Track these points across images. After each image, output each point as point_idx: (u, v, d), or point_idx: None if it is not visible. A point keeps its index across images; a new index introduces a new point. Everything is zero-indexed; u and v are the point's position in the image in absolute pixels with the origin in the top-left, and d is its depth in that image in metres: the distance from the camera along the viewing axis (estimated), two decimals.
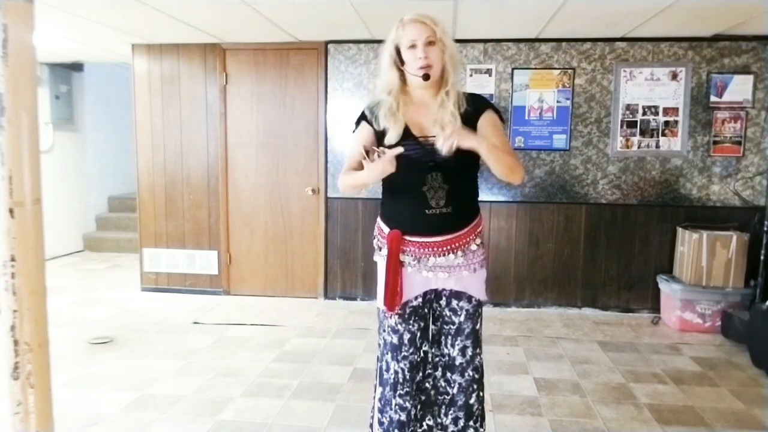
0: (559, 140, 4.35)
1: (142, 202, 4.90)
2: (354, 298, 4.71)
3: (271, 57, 4.62)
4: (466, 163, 1.87)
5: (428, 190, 1.83)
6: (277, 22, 3.91)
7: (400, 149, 1.73)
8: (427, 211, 1.84)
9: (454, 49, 1.86)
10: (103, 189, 7.03)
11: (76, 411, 2.75)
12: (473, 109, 1.89)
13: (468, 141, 1.69)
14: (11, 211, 1.15)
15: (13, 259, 1.16)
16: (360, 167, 1.89)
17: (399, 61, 1.86)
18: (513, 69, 4.35)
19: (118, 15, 3.74)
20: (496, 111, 1.94)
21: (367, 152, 1.76)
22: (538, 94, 4.34)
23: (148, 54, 4.76)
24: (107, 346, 3.64)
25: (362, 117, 1.95)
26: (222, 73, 4.68)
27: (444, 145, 1.66)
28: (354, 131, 1.97)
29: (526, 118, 4.36)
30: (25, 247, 1.18)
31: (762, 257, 3.86)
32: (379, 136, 1.89)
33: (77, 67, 6.18)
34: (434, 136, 1.81)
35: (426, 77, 1.80)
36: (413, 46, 1.80)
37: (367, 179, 1.78)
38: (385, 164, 1.71)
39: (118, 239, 6.67)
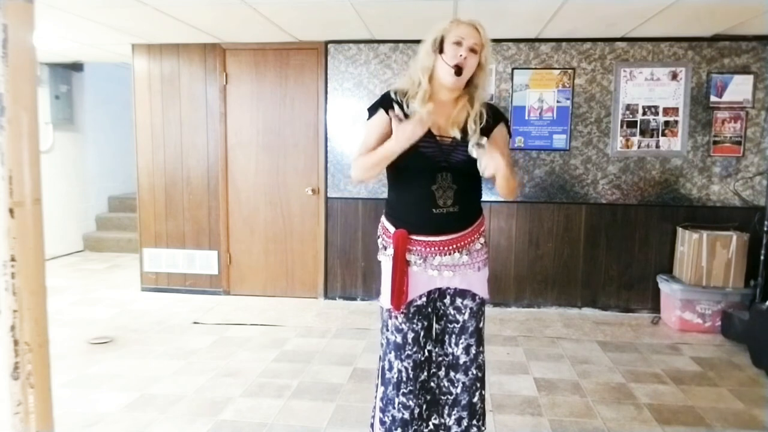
0: (559, 140, 4.35)
1: (142, 202, 4.90)
2: (354, 298, 4.71)
3: (271, 57, 4.62)
4: (476, 167, 1.89)
5: (437, 189, 1.85)
6: (277, 22, 3.91)
7: (430, 107, 1.76)
8: (434, 210, 1.85)
9: (488, 70, 1.92)
10: (103, 189, 7.03)
11: (76, 411, 2.75)
12: (492, 119, 1.93)
13: (496, 166, 1.71)
14: (11, 211, 1.15)
15: (13, 259, 1.16)
16: None
17: (439, 48, 1.86)
18: (513, 69, 4.35)
19: (118, 15, 3.74)
20: (507, 124, 2.01)
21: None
22: (538, 94, 4.34)
23: (148, 54, 4.76)
24: (107, 346, 3.64)
25: (381, 103, 1.93)
26: (222, 73, 4.68)
27: (484, 163, 1.71)
28: (369, 118, 1.96)
29: (526, 118, 4.36)
30: (25, 247, 1.18)
31: (762, 257, 3.86)
32: (395, 127, 1.88)
33: (77, 67, 6.17)
34: (451, 138, 1.85)
35: (458, 71, 1.80)
36: (459, 43, 1.82)
37: (395, 147, 1.78)
38: (416, 126, 1.73)
39: (118, 239, 6.67)
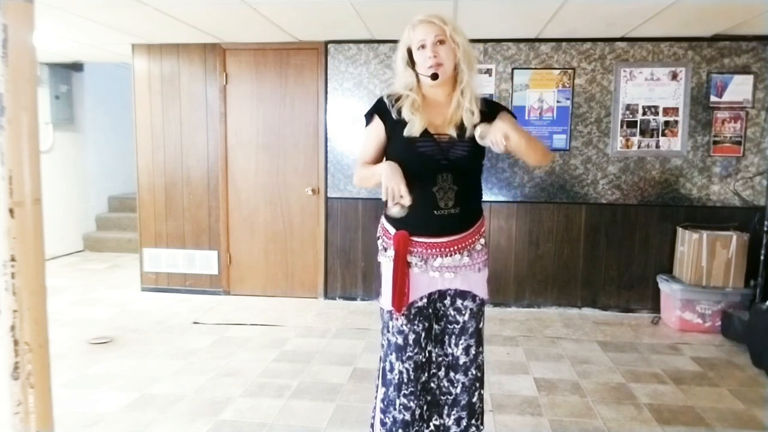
0: (559, 140, 4.35)
1: (142, 202, 4.90)
2: (354, 298, 4.71)
3: (271, 57, 4.62)
4: (477, 164, 1.91)
5: (438, 190, 1.84)
6: (277, 22, 3.91)
7: (408, 201, 1.73)
8: (435, 211, 1.85)
9: (468, 47, 1.85)
10: (103, 189, 7.03)
11: (76, 411, 2.75)
12: (488, 111, 1.91)
13: (503, 132, 1.69)
14: (11, 211, 1.15)
15: (13, 259, 1.16)
16: (375, 161, 1.94)
17: (411, 63, 1.87)
18: (513, 69, 4.35)
19: (118, 15, 3.74)
20: (511, 113, 1.96)
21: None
22: (538, 94, 4.34)
23: (148, 54, 4.76)
24: (107, 346, 3.64)
25: (375, 109, 1.94)
26: (222, 73, 4.68)
27: (491, 138, 1.69)
28: (366, 125, 1.97)
29: (526, 118, 4.36)
30: (25, 247, 1.18)
31: (762, 257, 3.86)
32: (389, 131, 1.90)
33: (77, 67, 6.17)
34: (449, 135, 1.85)
35: (434, 77, 1.80)
36: (423, 47, 1.82)
37: (380, 177, 1.83)
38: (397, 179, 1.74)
39: (118, 239, 6.67)
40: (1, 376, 1.21)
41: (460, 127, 1.85)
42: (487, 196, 4.39)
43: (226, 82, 4.69)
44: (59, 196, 6.21)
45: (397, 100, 1.90)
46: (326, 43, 4.51)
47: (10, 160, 1.15)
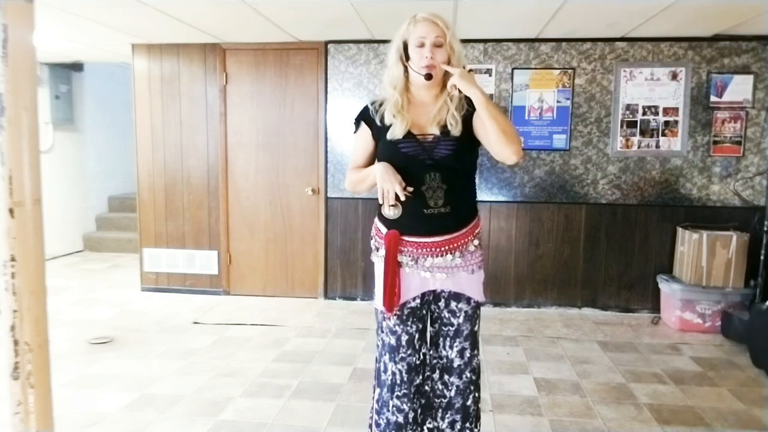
0: (559, 140, 4.35)
1: (142, 202, 4.90)
2: (354, 298, 4.71)
3: (271, 57, 4.62)
4: (465, 162, 1.90)
5: (427, 189, 1.83)
6: (277, 22, 3.91)
7: (409, 189, 1.78)
8: (425, 210, 1.84)
9: (461, 55, 1.87)
10: (103, 189, 7.03)
11: (76, 411, 2.75)
12: (474, 108, 1.89)
13: (472, 87, 1.73)
14: (11, 211, 1.15)
15: (13, 259, 1.16)
16: (366, 166, 1.96)
17: (405, 57, 1.87)
18: (513, 69, 4.35)
19: (118, 15, 3.74)
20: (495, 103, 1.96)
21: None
22: (538, 94, 4.34)
23: (148, 54, 4.76)
24: (107, 346, 3.64)
25: (361, 116, 1.97)
26: (222, 73, 4.68)
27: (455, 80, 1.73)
28: (355, 132, 2.00)
29: (526, 118, 4.36)
30: (25, 247, 1.18)
31: (762, 257, 3.86)
32: (376, 136, 1.91)
33: (77, 67, 6.17)
34: (433, 135, 1.85)
35: (428, 77, 1.81)
36: (421, 45, 1.82)
37: (374, 179, 1.86)
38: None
39: (118, 239, 6.67)
40: (1, 376, 1.21)
41: (444, 127, 1.85)
42: (487, 196, 4.39)
43: (226, 82, 4.69)
44: (59, 196, 6.21)
45: (381, 105, 1.91)
46: (326, 43, 4.51)
47: (10, 160, 1.15)
